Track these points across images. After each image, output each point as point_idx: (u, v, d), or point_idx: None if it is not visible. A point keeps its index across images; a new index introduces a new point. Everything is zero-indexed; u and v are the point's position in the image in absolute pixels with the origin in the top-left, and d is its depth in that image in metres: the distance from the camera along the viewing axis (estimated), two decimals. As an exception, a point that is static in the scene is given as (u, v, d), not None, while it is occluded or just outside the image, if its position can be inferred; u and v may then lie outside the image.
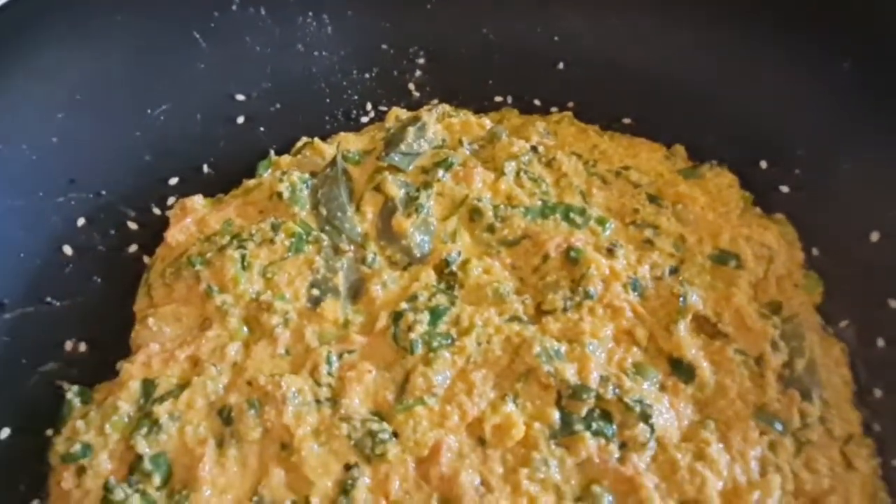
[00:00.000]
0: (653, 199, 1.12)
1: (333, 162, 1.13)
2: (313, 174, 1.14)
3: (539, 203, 1.10)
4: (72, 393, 0.96)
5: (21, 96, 1.07)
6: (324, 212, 1.08)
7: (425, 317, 0.97)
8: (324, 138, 1.24)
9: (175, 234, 1.10)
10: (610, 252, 1.03)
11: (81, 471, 0.89)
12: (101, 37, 1.12)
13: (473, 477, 0.86)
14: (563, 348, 0.95)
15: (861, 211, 1.10)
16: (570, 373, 0.92)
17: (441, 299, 0.99)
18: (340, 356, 0.96)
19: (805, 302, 1.04)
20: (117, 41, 1.14)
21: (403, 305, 0.98)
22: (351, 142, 1.23)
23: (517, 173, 1.13)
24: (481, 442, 0.89)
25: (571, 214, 1.08)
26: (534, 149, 1.16)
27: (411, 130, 1.16)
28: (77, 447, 0.90)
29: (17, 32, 1.05)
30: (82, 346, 1.03)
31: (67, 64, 1.10)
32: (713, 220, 1.09)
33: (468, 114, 1.25)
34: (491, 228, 1.07)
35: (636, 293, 1.02)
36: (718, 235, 1.07)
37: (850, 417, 0.95)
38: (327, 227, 1.07)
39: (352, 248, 1.07)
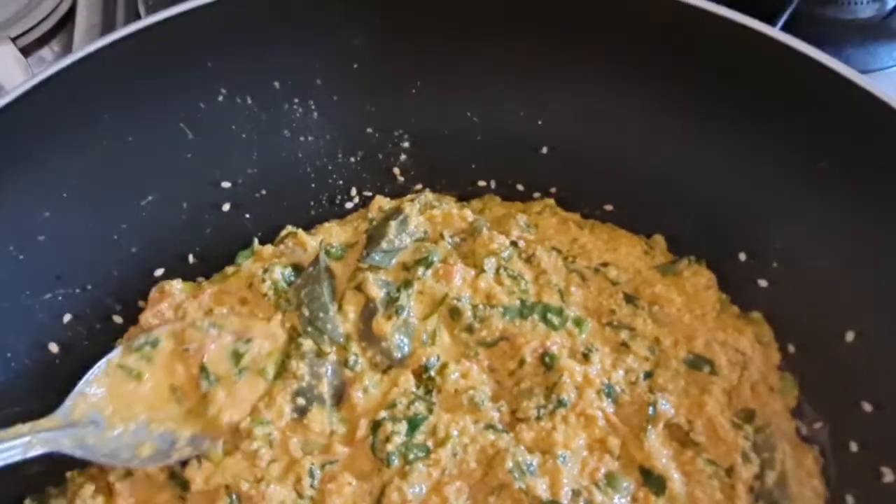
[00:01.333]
0: (630, 298, 1.13)
1: (316, 260, 1.14)
2: (296, 267, 1.16)
3: (518, 302, 1.11)
4: (28, 502, 1.00)
5: (6, 198, 1.08)
6: (306, 312, 1.10)
7: (403, 427, 0.98)
8: (308, 226, 1.26)
9: (149, 318, 1.12)
10: (585, 357, 1.05)
11: None
12: (87, 136, 1.13)
13: None
14: (536, 461, 0.96)
15: (836, 309, 1.11)
16: (541, 489, 0.93)
17: (419, 407, 1.01)
18: (323, 467, 0.98)
19: (779, 410, 1.05)
20: (104, 139, 1.15)
21: (382, 414, 1.00)
22: (334, 233, 1.25)
23: (497, 270, 1.14)
24: (453, 560, 0.91)
25: (549, 315, 1.09)
26: (514, 244, 1.18)
27: (393, 225, 1.17)
28: None
29: (2, 138, 1.06)
30: (67, 448, 1.05)
31: (54, 164, 1.11)
32: (689, 323, 1.10)
33: (451, 203, 1.27)
34: (470, 329, 1.09)
35: (610, 399, 1.03)
36: (693, 339, 1.08)
37: (822, 534, 0.97)
38: (309, 329, 1.09)
39: (333, 349, 1.08)
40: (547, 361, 1.04)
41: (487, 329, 1.08)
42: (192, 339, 1.04)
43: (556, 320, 1.09)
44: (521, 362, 1.05)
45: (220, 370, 1.02)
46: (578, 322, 1.09)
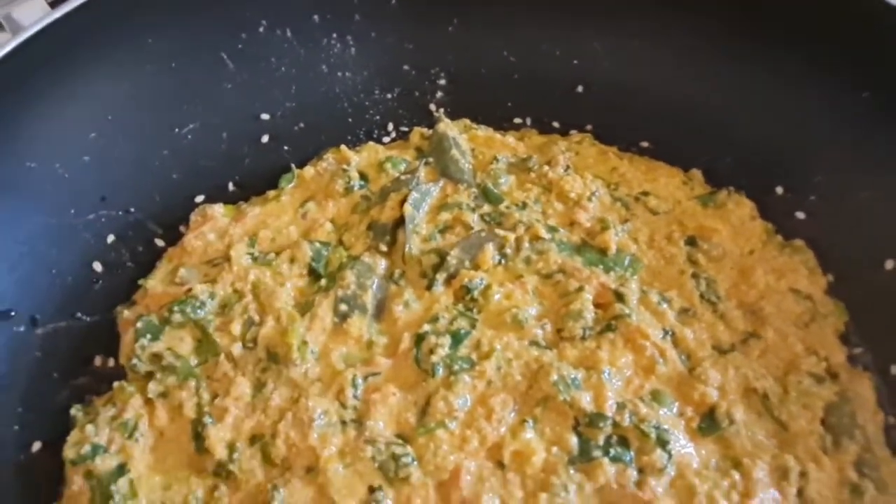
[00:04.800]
0: (691, 241, 1.13)
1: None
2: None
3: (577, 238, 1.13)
4: (75, 409, 0.99)
5: (55, 118, 1.10)
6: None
7: (447, 340, 0.99)
8: (346, 158, 1.27)
9: (192, 241, 1.14)
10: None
11: (90, 474, 0.92)
12: (132, 60, 1.15)
13: (494, 500, 0.88)
14: (580, 375, 0.96)
15: (876, 238, 1.11)
16: (585, 401, 0.93)
17: (462, 322, 1.01)
18: (366, 378, 0.99)
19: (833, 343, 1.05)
20: (148, 63, 1.17)
21: (425, 328, 1.00)
22: (380, 151, 1.26)
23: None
24: (501, 466, 0.91)
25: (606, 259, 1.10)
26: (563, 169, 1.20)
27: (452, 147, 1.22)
28: (87, 448, 0.94)
29: (52, 57, 1.07)
30: (111, 362, 1.06)
31: (100, 86, 1.13)
32: (740, 261, 1.11)
33: (489, 130, 1.29)
34: (527, 260, 1.09)
35: (667, 336, 1.03)
36: (750, 277, 1.09)
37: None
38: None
39: (384, 264, 1.09)
40: (616, 307, 1.02)
41: (544, 262, 1.08)
42: None
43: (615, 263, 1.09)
44: (580, 289, 1.04)
45: None
46: (634, 263, 1.10)
